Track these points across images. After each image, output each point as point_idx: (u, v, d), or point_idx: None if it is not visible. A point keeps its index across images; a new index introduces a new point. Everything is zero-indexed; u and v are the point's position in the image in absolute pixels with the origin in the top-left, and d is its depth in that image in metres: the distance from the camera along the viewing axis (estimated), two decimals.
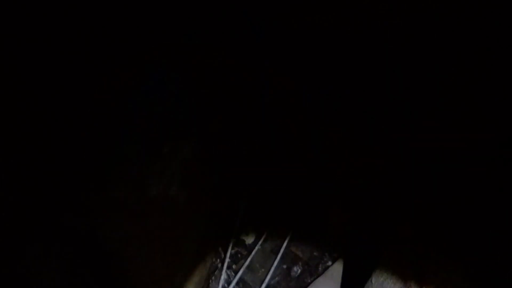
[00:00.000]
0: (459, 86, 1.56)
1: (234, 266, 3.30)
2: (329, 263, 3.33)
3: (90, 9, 1.03)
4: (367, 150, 2.81)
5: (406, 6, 1.71)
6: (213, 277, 3.24)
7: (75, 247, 1.12)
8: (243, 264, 3.26)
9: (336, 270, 3.15)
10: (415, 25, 1.77)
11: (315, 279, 3.17)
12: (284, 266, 3.32)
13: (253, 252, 3.38)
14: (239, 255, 3.39)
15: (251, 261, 3.32)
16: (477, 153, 1.26)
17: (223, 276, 3.19)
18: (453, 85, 1.68)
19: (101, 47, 1.10)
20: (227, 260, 3.25)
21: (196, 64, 2.59)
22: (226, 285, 3.18)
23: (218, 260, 3.33)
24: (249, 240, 3.55)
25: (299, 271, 3.28)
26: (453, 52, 1.69)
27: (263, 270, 3.28)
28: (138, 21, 1.44)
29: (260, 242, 3.50)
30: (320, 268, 3.30)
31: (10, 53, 0.70)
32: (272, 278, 3.23)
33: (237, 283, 3.18)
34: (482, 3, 1.23)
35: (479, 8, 1.27)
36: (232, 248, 3.40)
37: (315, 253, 3.43)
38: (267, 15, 2.24)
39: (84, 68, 0.98)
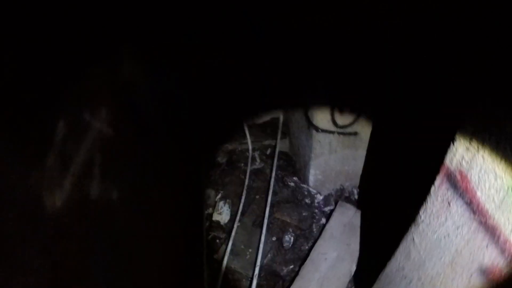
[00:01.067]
0: (458, 86, 1.57)
1: (215, 256, 2.59)
2: (323, 220, 2.80)
3: (90, 8, 1.03)
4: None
5: (406, 6, 1.71)
6: (193, 279, 2.64)
7: None
8: (225, 250, 2.57)
9: (334, 228, 2.64)
10: (415, 25, 1.77)
11: (313, 244, 2.58)
12: (274, 238, 2.70)
13: (233, 233, 2.67)
14: (217, 241, 2.70)
15: (233, 244, 2.62)
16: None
17: (205, 272, 2.48)
18: (453, 85, 1.69)
19: (101, 47, 1.10)
20: (205, 251, 2.53)
21: (196, 64, 2.59)
22: (212, 282, 2.45)
23: (195, 254, 2.49)
24: (224, 218, 2.83)
25: (292, 239, 2.71)
26: (453, 52, 1.69)
27: (250, 250, 2.61)
28: (138, 21, 1.44)
29: (237, 219, 2.77)
30: (315, 230, 2.78)
31: (10, 52, 0.70)
32: (263, 257, 2.54)
33: (224, 276, 2.46)
34: (482, 3, 1.23)
35: (479, 8, 1.27)
36: (207, 235, 2.70)
37: (304, 213, 2.87)
38: (267, 15, 2.25)
39: (84, 68, 0.99)
